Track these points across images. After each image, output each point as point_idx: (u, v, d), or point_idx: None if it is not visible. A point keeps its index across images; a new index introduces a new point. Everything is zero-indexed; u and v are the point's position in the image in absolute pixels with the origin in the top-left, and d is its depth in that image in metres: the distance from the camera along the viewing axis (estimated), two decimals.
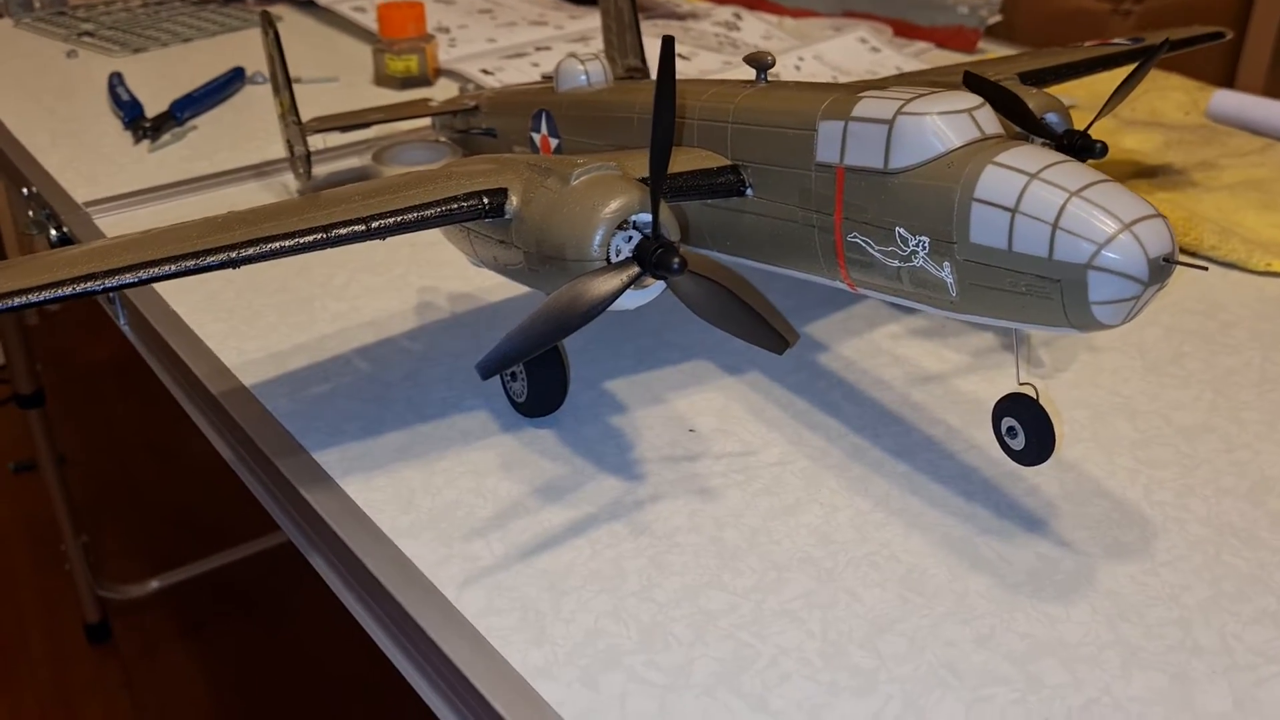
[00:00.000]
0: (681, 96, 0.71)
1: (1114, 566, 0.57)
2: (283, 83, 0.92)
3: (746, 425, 0.68)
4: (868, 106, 0.58)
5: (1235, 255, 0.87)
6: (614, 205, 0.56)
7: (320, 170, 1.03)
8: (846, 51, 1.31)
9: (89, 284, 0.52)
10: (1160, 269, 0.48)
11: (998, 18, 1.39)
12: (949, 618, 0.54)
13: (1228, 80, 2.44)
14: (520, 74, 1.28)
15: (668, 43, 0.52)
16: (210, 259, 0.53)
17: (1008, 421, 0.59)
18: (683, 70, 1.31)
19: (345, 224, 0.56)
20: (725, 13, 1.50)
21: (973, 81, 0.61)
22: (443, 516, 0.61)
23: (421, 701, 0.56)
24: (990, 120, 0.56)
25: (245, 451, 0.69)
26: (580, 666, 0.52)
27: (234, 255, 0.53)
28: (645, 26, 1.44)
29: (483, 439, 0.67)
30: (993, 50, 1.40)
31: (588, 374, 0.73)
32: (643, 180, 0.57)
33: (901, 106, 0.56)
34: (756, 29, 1.44)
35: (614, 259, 0.56)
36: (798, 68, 1.27)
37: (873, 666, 0.52)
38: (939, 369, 0.74)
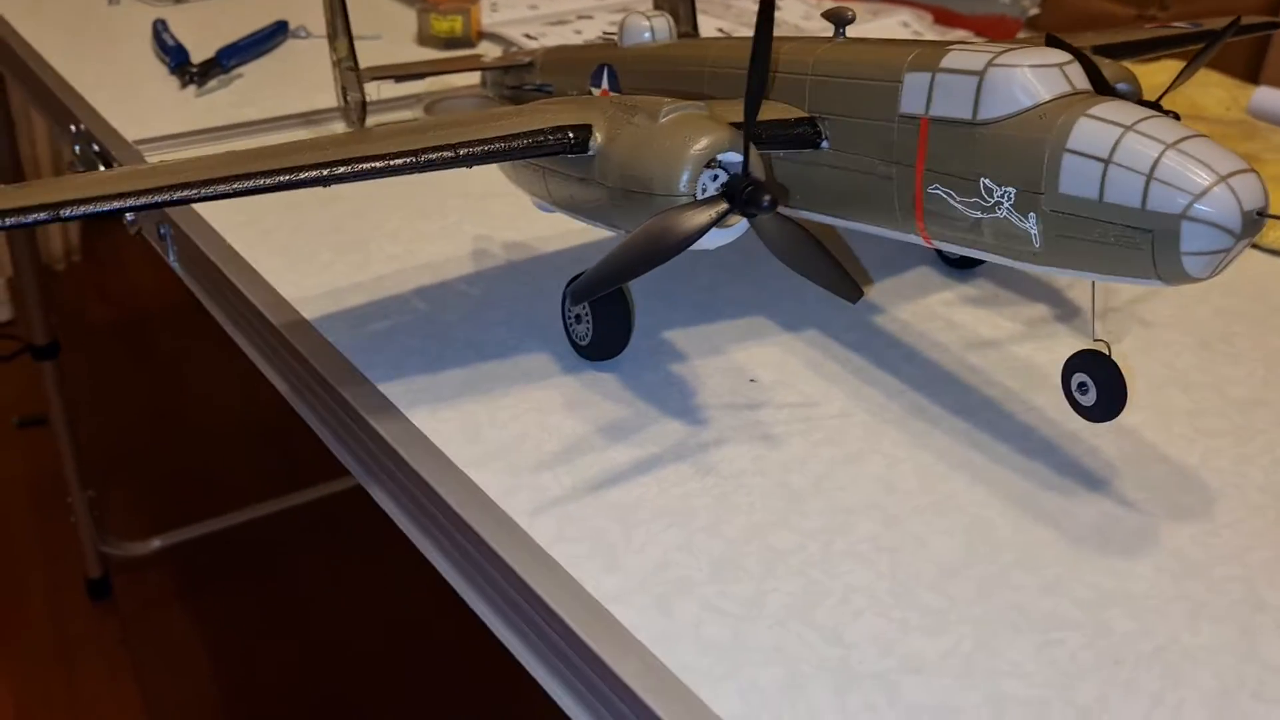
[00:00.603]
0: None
1: (1176, 527, 0.58)
2: (341, 29, 0.92)
3: (806, 379, 0.69)
4: (957, 58, 0.58)
5: None
6: (704, 142, 0.56)
7: (371, 121, 1.03)
8: (886, 34, 1.32)
9: (182, 192, 0.52)
10: (1253, 222, 0.49)
11: (1038, 10, 1.40)
12: (1016, 566, 0.55)
13: (1253, 79, 2.45)
14: (563, 40, 1.28)
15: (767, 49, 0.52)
16: (305, 174, 0.53)
17: (1079, 377, 0.60)
18: None
19: (435, 149, 0.56)
20: None
21: (1054, 43, 0.62)
22: (510, 448, 0.61)
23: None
24: (1080, 76, 0.56)
25: (308, 383, 0.69)
26: (654, 594, 0.52)
27: (326, 173, 0.54)
28: None
29: (545, 379, 0.67)
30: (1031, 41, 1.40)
31: (646, 323, 0.73)
32: (733, 125, 0.58)
33: (993, 59, 0.56)
34: (797, 10, 1.44)
35: (699, 196, 0.57)
36: None
37: (943, 607, 0.52)
38: (993, 335, 0.74)
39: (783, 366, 0.70)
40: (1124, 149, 0.51)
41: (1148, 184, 0.50)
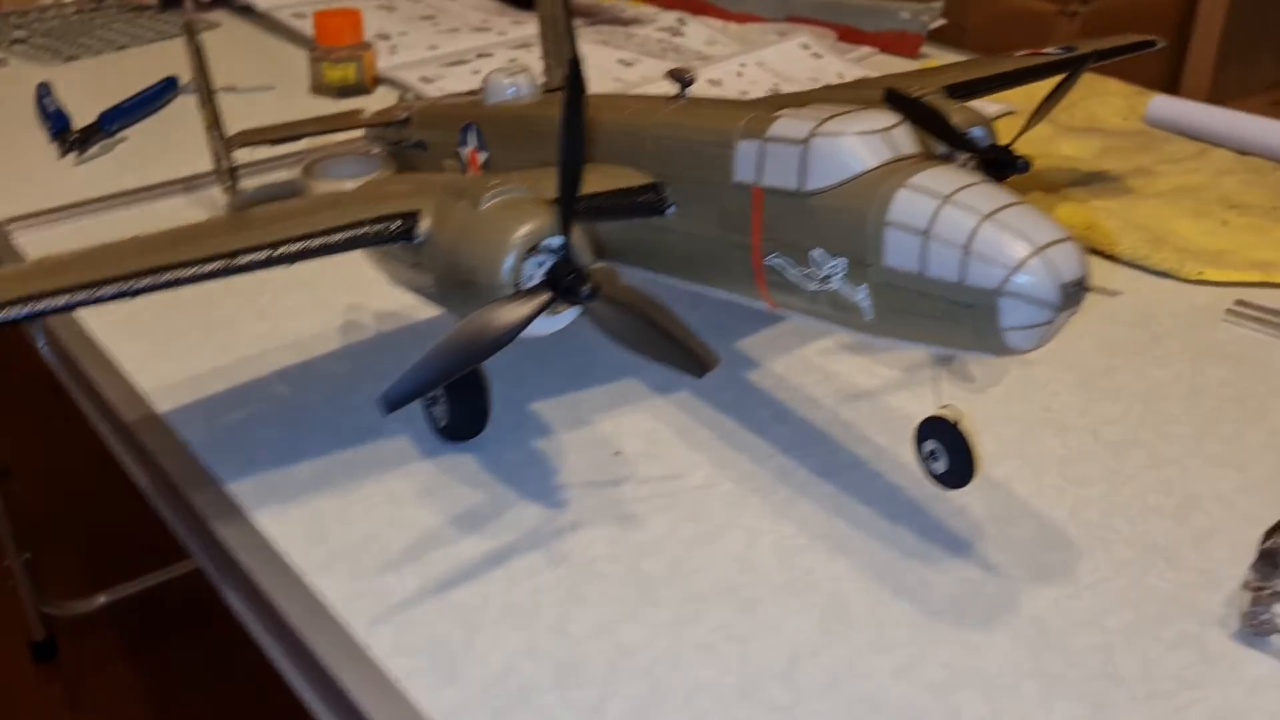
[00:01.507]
0: (603, 111, 0.70)
1: (1037, 590, 0.57)
2: (206, 95, 0.90)
3: (673, 448, 0.67)
4: (783, 126, 0.57)
5: (1167, 264, 0.87)
6: (524, 230, 0.55)
7: (251, 183, 1.01)
8: (788, 57, 1.30)
9: None
10: (1072, 294, 0.48)
11: (940, 22, 1.39)
12: (869, 648, 0.53)
13: (1172, 84, 2.46)
14: (460, 82, 1.26)
15: (575, 65, 0.51)
16: (105, 290, 0.51)
17: (929, 445, 0.59)
18: (625, 76, 1.30)
19: (249, 251, 0.54)
20: (669, 18, 1.48)
21: (895, 99, 0.61)
22: (357, 549, 0.59)
23: None
24: (907, 140, 0.55)
25: (159, 481, 0.67)
26: (492, 708, 0.50)
27: (128, 286, 0.52)
28: (589, 32, 1.43)
29: (403, 465, 0.66)
30: (936, 55, 1.39)
31: (514, 394, 0.72)
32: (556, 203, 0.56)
33: (816, 126, 0.55)
34: (700, 34, 1.43)
35: (526, 285, 0.55)
36: (740, 74, 1.27)
37: (789, 703, 0.51)
38: (870, 385, 0.73)
39: (651, 435, 0.68)
40: (941, 221, 0.49)
41: (964, 258, 0.48)
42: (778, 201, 0.56)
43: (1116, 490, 0.64)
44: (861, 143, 0.54)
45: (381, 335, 0.79)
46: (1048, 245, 0.48)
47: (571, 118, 0.51)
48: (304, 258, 0.56)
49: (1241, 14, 2.41)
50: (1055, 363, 0.75)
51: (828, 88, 0.79)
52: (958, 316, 0.49)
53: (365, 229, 0.57)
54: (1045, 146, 1.09)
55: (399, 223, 0.58)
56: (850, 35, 1.41)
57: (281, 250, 0.55)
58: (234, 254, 0.54)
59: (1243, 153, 1.08)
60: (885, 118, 0.55)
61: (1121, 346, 0.78)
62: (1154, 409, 0.71)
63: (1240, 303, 0.82)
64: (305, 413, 0.70)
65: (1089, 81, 1.24)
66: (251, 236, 0.56)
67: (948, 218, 0.49)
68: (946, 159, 0.62)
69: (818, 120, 0.55)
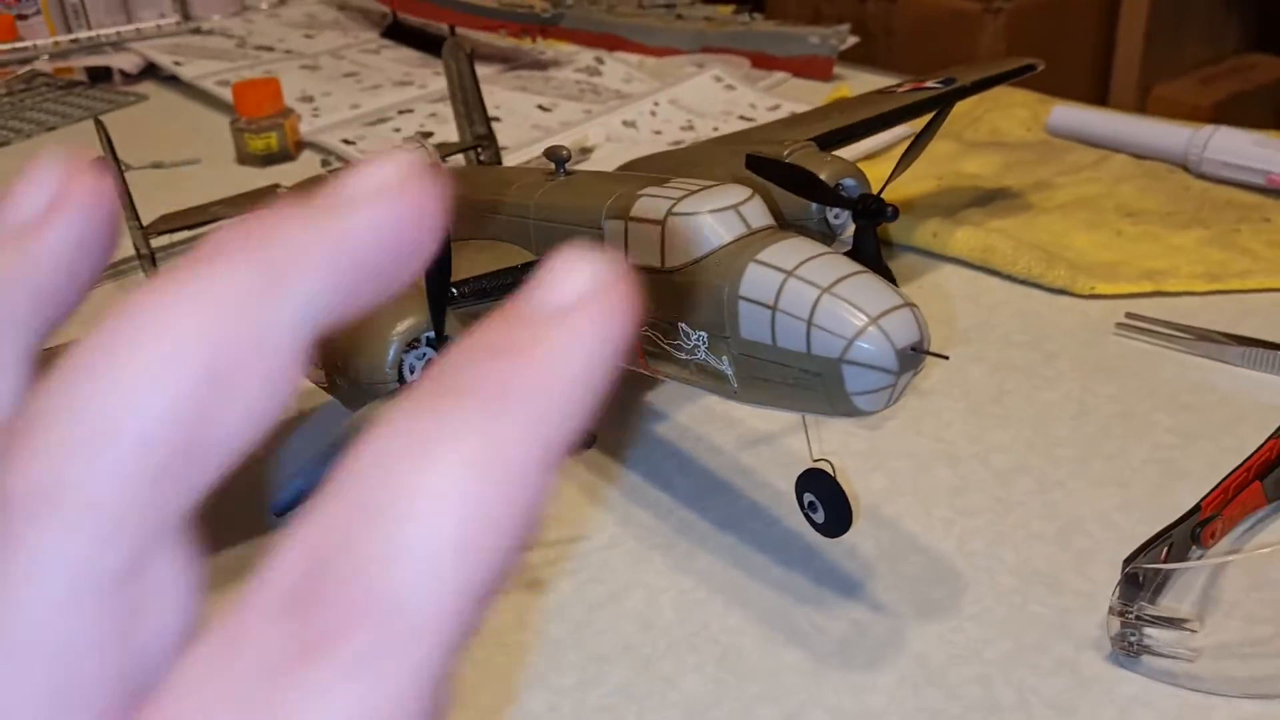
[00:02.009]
0: (493, 188, 0.72)
1: (923, 626, 0.60)
2: (119, 188, 0.92)
3: (579, 508, 0.70)
4: (644, 205, 0.59)
5: (1061, 280, 0.90)
6: (401, 326, 0.57)
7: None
8: (701, 92, 1.33)
9: None
10: (909, 358, 0.50)
11: (851, 41, 1.42)
12: (760, 698, 0.56)
13: (1102, 72, 2.49)
14: (381, 141, 1.28)
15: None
16: None
17: (808, 496, 0.61)
18: (544, 121, 1.32)
19: None
20: (588, 57, 1.51)
21: (756, 164, 0.63)
22: None
23: None
24: (758, 213, 0.57)
25: None
26: None
27: None
28: (508, 78, 1.46)
29: None
30: (849, 75, 1.42)
31: None
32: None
33: (672, 206, 0.58)
34: (618, 73, 1.45)
35: (409, 377, 0.58)
36: (654, 113, 1.29)
37: None
38: (769, 429, 0.76)
39: (558, 497, 0.71)
40: (786, 294, 0.52)
41: (809, 330, 0.51)
42: (644, 279, 0.59)
43: (1002, 518, 0.67)
44: (716, 220, 0.57)
45: (300, 414, 0.81)
46: (884, 314, 0.50)
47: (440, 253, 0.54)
48: None
49: None
50: (949, 391, 0.78)
51: (711, 143, 0.82)
52: (810, 384, 0.52)
53: None
54: (949, 165, 1.12)
55: None
56: (763, 62, 1.44)
57: None
58: None
59: (1141, 157, 1.11)
60: (737, 192, 0.58)
61: (1013, 369, 0.81)
62: (1042, 432, 0.74)
63: (1130, 315, 0.85)
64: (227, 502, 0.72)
65: (993, 95, 1.27)
66: None
67: (792, 290, 0.52)
68: (801, 228, 0.65)
69: (674, 200, 0.58)
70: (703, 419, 0.77)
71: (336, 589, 0.15)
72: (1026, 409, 0.76)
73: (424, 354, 0.58)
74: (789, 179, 0.64)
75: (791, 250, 0.54)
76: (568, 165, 0.70)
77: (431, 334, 0.58)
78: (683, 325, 0.57)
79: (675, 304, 0.57)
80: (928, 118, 0.78)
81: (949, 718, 0.54)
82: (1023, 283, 0.92)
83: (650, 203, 0.59)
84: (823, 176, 0.68)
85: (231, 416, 0.17)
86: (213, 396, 0.17)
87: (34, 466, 0.16)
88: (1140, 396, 0.77)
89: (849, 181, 0.71)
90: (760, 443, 0.74)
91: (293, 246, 0.18)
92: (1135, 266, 0.91)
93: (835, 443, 0.73)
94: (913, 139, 0.74)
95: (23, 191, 0.21)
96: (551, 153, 0.69)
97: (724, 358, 0.56)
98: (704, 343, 0.56)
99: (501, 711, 0.56)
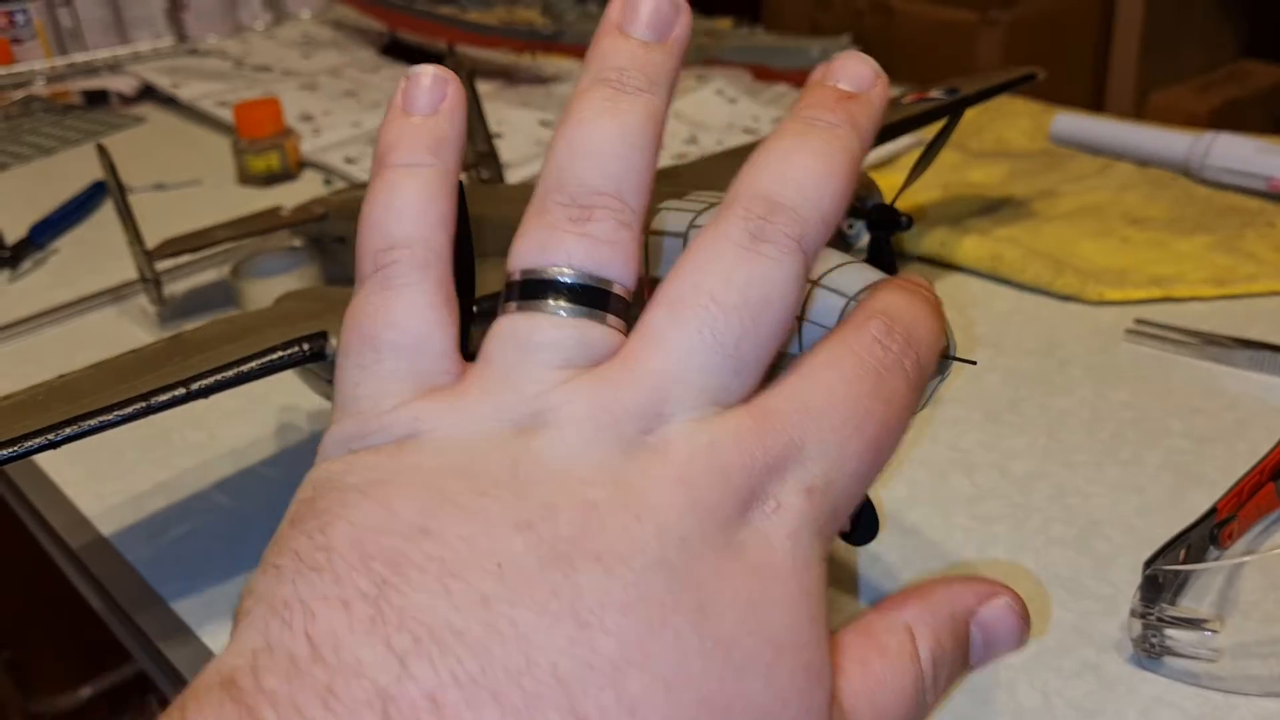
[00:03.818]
0: (511, 205, 0.73)
1: None
2: (124, 211, 0.92)
3: None
4: (664, 219, 0.59)
5: (1070, 288, 0.90)
6: None
7: (180, 286, 1.04)
8: (704, 105, 1.34)
9: None
10: (938, 364, 0.51)
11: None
12: None
13: (1099, 81, 2.51)
14: None
15: (461, 195, 0.53)
16: (30, 444, 0.54)
17: None
18: (546, 137, 1.33)
19: (166, 390, 0.57)
20: None
21: None
22: None
23: None
24: None
25: (108, 603, 0.69)
26: None
27: (54, 438, 0.54)
28: (509, 94, 1.46)
29: None
30: None
31: None
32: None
33: (694, 219, 0.58)
34: None
35: None
36: None
37: None
38: None
39: None
40: (814, 305, 0.52)
41: None
42: None
43: (1021, 525, 0.67)
44: None
45: (314, 435, 0.81)
46: None
47: (461, 245, 0.54)
48: (222, 389, 0.58)
49: (1161, 5, 2.47)
50: (964, 400, 0.79)
51: (719, 157, 0.82)
52: None
53: (277, 355, 0.59)
54: (954, 175, 1.12)
55: (308, 345, 0.60)
56: (765, 74, 1.45)
57: (197, 386, 0.57)
58: (153, 394, 0.56)
59: (1144, 164, 1.12)
60: None
61: (1027, 377, 0.81)
62: (1057, 439, 0.74)
63: (1140, 321, 0.85)
64: (245, 522, 0.72)
65: (996, 104, 1.28)
66: (171, 373, 0.58)
67: (820, 300, 0.52)
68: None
69: (695, 212, 0.58)
70: None
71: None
72: (1041, 416, 0.77)
73: None
74: None
75: (817, 259, 0.54)
76: None
77: None
78: None
79: None
80: (933, 127, 0.78)
81: None
82: (1032, 291, 0.92)
83: (672, 216, 0.59)
84: None
85: None
86: None
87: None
88: (1152, 402, 0.77)
89: (861, 192, 0.71)
90: None
91: None
92: (1143, 273, 0.92)
93: None
94: (924, 148, 0.74)
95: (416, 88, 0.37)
96: None
97: None
98: None
99: None
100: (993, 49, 2.35)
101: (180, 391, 0.57)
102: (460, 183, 0.54)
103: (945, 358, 0.50)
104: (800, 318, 0.52)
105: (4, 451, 0.53)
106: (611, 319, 0.33)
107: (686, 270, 0.33)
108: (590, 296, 0.33)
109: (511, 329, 0.33)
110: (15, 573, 2.26)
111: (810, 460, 0.32)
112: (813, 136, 0.35)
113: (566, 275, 0.33)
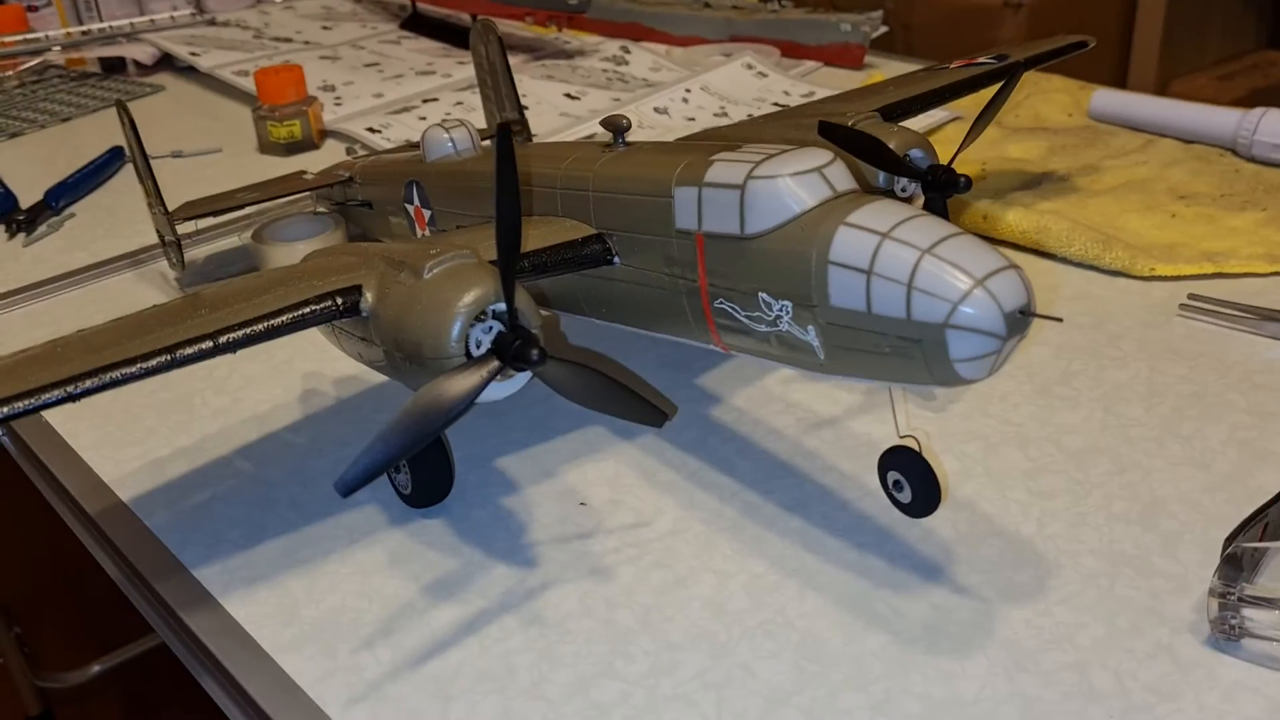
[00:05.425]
0: (544, 163, 0.70)
1: (1009, 610, 0.57)
2: (144, 171, 0.89)
3: (638, 493, 0.67)
4: (719, 171, 0.57)
5: (1119, 263, 0.87)
6: (468, 298, 0.54)
7: (200, 251, 1.01)
8: (733, 80, 1.31)
9: None
10: (1017, 321, 0.48)
11: (882, 30, 1.40)
12: (845, 685, 0.53)
13: (1120, 66, 2.47)
14: (407, 129, 1.26)
15: (504, 134, 0.51)
16: (47, 396, 0.51)
17: (893, 475, 0.59)
18: (572, 110, 1.30)
19: (194, 342, 0.54)
20: (613, 47, 1.49)
21: (828, 131, 0.61)
22: (327, 626, 0.59)
23: None
24: (842, 176, 0.55)
25: (126, 570, 0.67)
26: None
27: (73, 390, 0.51)
28: (533, 67, 1.43)
29: (369, 535, 0.65)
30: (880, 63, 1.40)
31: (475, 451, 0.71)
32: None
33: (752, 170, 0.55)
34: (644, 61, 1.43)
35: (475, 352, 0.55)
36: (685, 99, 1.27)
37: None
38: (831, 412, 0.73)
39: (616, 481, 0.68)
40: (883, 258, 0.49)
41: (909, 294, 0.48)
42: (720, 247, 0.56)
43: (1081, 500, 0.64)
44: (798, 183, 0.54)
45: (340, 401, 0.78)
46: (990, 275, 0.48)
47: (504, 183, 0.51)
48: (249, 344, 0.55)
49: None
50: (1014, 374, 0.76)
51: (763, 119, 0.79)
52: (908, 352, 0.50)
53: (309, 309, 0.56)
54: (993, 150, 1.09)
55: (342, 300, 0.57)
56: (793, 51, 1.42)
57: (225, 339, 0.54)
58: (178, 347, 0.54)
59: (1188, 141, 1.09)
60: (819, 155, 0.55)
61: (1079, 350, 0.78)
62: (1114, 413, 0.71)
63: (1193, 296, 0.82)
64: (269, 489, 0.70)
65: (1032, 80, 1.25)
66: (196, 326, 0.55)
67: (889, 254, 0.49)
68: (885, 192, 0.63)
69: (753, 163, 0.55)
70: (760, 402, 0.75)
71: None
72: (1095, 390, 0.74)
73: (490, 327, 0.55)
74: (860, 146, 0.61)
75: (884, 212, 0.51)
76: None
77: (498, 306, 0.55)
78: (763, 295, 0.55)
79: (756, 272, 0.55)
80: (967, 100, 0.75)
81: (1046, 705, 0.52)
82: (1078, 265, 0.89)
83: (726, 168, 0.56)
84: (892, 146, 0.65)
85: None
86: None
87: None
88: (1212, 377, 0.74)
89: (916, 153, 0.68)
90: (823, 426, 0.72)
91: None
92: (1194, 248, 0.89)
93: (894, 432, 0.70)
94: (980, 112, 0.71)
95: None
96: (610, 122, 0.67)
97: (809, 328, 0.53)
98: (787, 313, 0.54)
99: (571, 703, 0.54)
100: (1015, 33, 2.31)
101: (207, 345, 0.54)
102: (513, 144, 0.51)
103: (1025, 314, 0.48)
104: (868, 271, 0.49)
105: (22, 404, 0.50)
106: None
107: None
108: None
109: None
110: (26, 550, 2.24)
111: None
112: None
113: None
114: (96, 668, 1.98)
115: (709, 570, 0.61)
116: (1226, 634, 0.54)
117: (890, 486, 0.59)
